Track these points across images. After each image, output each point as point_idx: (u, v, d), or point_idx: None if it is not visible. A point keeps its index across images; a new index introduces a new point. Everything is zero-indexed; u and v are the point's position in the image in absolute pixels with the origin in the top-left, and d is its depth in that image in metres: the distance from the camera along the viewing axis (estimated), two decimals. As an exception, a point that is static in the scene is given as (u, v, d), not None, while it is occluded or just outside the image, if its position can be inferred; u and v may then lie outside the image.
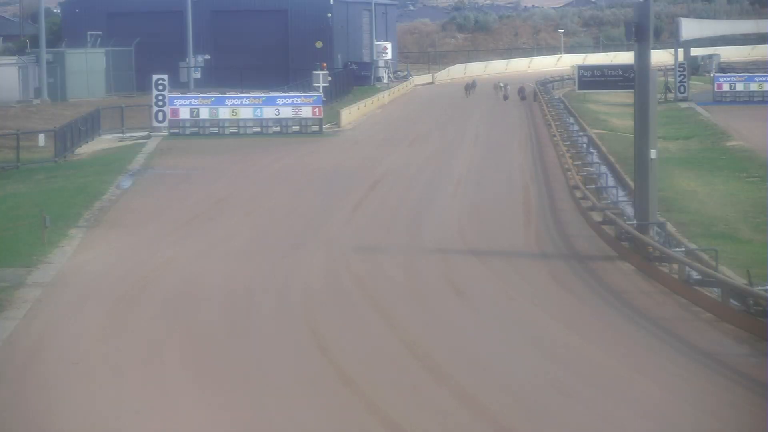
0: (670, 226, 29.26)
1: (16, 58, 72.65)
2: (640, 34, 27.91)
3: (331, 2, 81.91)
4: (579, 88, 31.93)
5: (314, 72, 62.01)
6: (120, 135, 54.85)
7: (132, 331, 21.19)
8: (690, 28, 71.87)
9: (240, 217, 33.34)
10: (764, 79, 69.71)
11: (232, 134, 52.87)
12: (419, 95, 76.85)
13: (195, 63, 78.31)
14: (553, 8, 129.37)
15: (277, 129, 53.39)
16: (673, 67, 72.81)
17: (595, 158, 42.41)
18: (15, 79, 69.14)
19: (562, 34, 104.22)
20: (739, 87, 69.35)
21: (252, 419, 16.48)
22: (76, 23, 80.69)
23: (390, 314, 22.33)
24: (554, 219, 32.44)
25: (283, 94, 55.34)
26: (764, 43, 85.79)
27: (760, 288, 21.22)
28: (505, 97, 70.05)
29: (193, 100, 54.01)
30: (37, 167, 45.67)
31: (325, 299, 23.63)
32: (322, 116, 54.17)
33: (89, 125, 53.14)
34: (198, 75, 78.05)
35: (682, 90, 70.16)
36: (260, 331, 21.24)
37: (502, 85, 72.61)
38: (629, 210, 31.08)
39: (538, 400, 17.15)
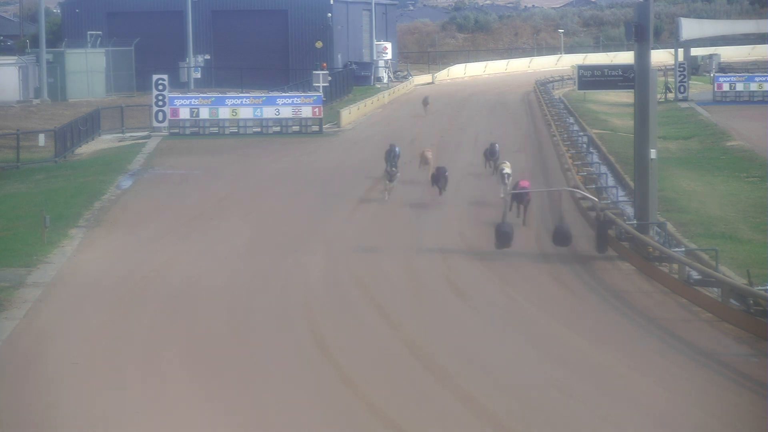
0: (670, 226, 29.25)
1: (16, 58, 72.63)
2: (640, 34, 27.91)
3: (331, 2, 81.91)
4: (579, 88, 31.97)
5: (314, 72, 61.99)
6: (120, 135, 54.85)
7: (132, 331, 21.20)
8: (690, 28, 71.82)
9: (240, 217, 33.34)
10: (764, 79, 69.63)
11: (232, 134, 52.85)
12: (419, 95, 76.81)
13: (195, 63, 78.33)
14: (553, 8, 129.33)
15: (277, 129, 53.37)
16: (673, 67, 72.80)
17: (595, 158, 42.38)
18: (15, 79, 69.11)
19: (562, 34, 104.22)
20: (739, 87, 69.30)
21: (252, 419, 16.49)
22: (76, 23, 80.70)
23: (390, 314, 22.33)
24: (554, 219, 32.40)
25: (283, 94, 55.31)
26: (764, 43, 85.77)
27: (760, 288, 21.23)
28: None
29: (193, 100, 53.98)
30: (37, 167, 45.67)
31: (325, 299, 23.64)
32: (322, 116, 54.15)
33: (89, 125, 53.15)
34: (198, 75, 78.09)
35: (682, 90, 70.12)
36: (260, 330, 21.24)
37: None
38: (629, 210, 31.07)
39: (538, 400, 17.16)
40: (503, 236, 27.81)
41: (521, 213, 31.49)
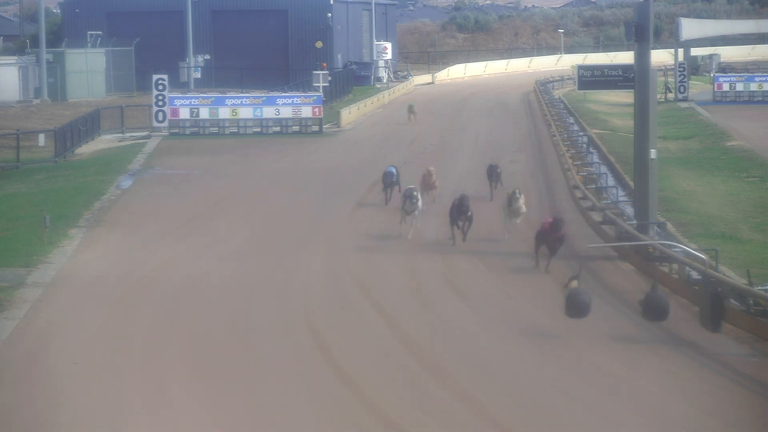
0: (670, 226, 29.25)
1: (16, 58, 72.63)
2: (640, 34, 27.90)
3: (331, 2, 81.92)
4: (579, 88, 31.97)
5: (314, 72, 62.04)
6: (120, 135, 54.87)
7: (132, 331, 21.20)
8: (690, 28, 71.82)
9: (240, 216, 33.35)
10: (764, 79, 69.65)
11: (232, 134, 52.85)
12: (419, 95, 76.87)
13: (195, 63, 78.32)
14: (553, 8, 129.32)
15: (277, 129, 53.38)
16: (673, 67, 72.81)
17: (595, 158, 42.37)
18: (15, 79, 69.10)
19: (562, 34, 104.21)
20: (739, 87, 69.32)
21: (252, 419, 16.49)
22: (76, 23, 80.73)
23: (390, 314, 22.33)
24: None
25: (283, 94, 55.33)
26: (764, 43, 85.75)
27: (760, 288, 21.22)
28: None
29: (193, 100, 53.99)
30: (37, 167, 45.68)
31: (325, 299, 23.64)
32: (322, 116, 54.14)
33: (89, 125, 53.16)
34: (198, 75, 78.09)
35: (682, 90, 70.12)
36: (260, 330, 21.25)
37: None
38: (629, 210, 31.07)
39: (538, 400, 17.16)
40: (579, 307, 20.87)
41: (546, 259, 25.40)
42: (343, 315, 22.34)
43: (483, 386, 17.76)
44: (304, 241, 29.54)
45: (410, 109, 58.44)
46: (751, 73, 72.53)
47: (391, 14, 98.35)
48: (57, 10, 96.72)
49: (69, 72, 72.24)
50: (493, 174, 35.05)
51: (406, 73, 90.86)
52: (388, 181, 33.87)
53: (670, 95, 70.42)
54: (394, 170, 34.15)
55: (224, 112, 53.31)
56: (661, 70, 68.25)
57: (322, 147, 49.35)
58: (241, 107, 53.50)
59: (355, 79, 79.18)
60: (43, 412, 16.90)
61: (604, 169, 40.06)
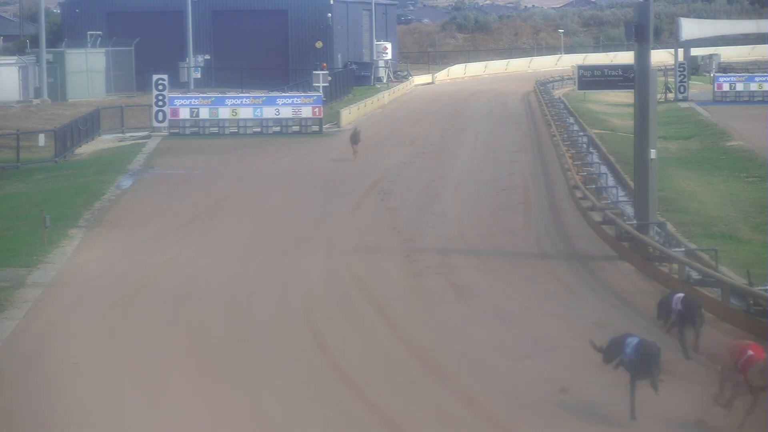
0: (670, 226, 29.25)
1: (16, 58, 72.63)
2: (640, 34, 27.91)
3: (331, 2, 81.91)
4: (579, 88, 31.99)
5: (314, 72, 62.03)
6: (120, 135, 54.87)
7: (132, 331, 21.21)
8: (690, 28, 71.80)
9: (240, 216, 33.35)
10: (764, 79, 69.65)
11: (232, 134, 52.86)
12: (419, 95, 76.92)
13: (195, 63, 78.34)
14: (553, 8, 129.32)
15: (277, 129, 53.38)
16: (673, 67, 72.81)
17: (595, 158, 42.38)
18: (15, 79, 69.09)
19: (562, 34, 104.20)
20: (739, 87, 69.33)
21: (252, 419, 16.50)
22: (76, 23, 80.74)
23: (390, 314, 22.34)
24: (554, 219, 32.43)
25: (283, 94, 55.34)
26: (764, 43, 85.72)
27: (760, 288, 21.23)
28: None
29: (193, 100, 53.99)
30: (37, 167, 45.68)
31: (325, 299, 23.64)
32: (321, 116, 54.15)
33: (89, 125, 53.16)
34: (198, 75, 78.09)
35: (682, 90, 70.10)
36: (260, 330, 21.25)
37: None
38: (629, 210, 31.07)
39: (538, 400, 17.16)
40: None
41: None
42: (343, 315, 22.35)
43: (483, 386, 17.77)
44: (304, 241, 29.54)
45: (353, 138, 45.47)
46: (751, 73, 72.52)
47: (391, 14, 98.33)
48: (57, 10, 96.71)
49: (69, 72, 72.22)
50: (695, 313, 19.80)
51: (406, 73, 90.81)
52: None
53: (670, 95, 70.41)
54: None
55: (224, 112, 53.32)
56: (661, 70, 68.24)
57: (322, 147, 49.34)
58: (241, 107, 53.51)
59: (355, 79, 79.15)
60: (43, 411, 16.91)
61: (604, 169, 40.06)
